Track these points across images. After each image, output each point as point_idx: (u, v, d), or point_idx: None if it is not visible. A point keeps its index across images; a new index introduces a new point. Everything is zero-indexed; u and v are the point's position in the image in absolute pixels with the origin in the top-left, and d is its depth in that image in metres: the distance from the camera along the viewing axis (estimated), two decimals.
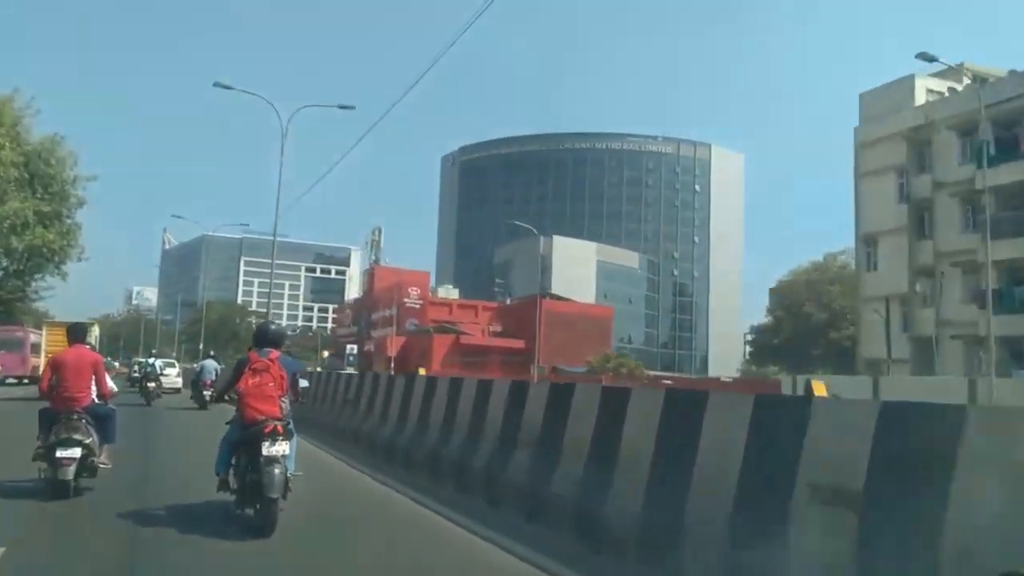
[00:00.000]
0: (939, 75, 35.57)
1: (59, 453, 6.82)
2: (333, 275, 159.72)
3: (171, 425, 16.32)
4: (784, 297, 59.63)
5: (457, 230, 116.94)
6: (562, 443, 6.34)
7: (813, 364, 47.57)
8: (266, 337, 6.71)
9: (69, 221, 37.16)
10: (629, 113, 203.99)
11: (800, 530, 4.08)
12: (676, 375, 71.67)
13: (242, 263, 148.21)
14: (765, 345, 62.35)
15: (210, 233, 59.53)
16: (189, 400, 21.29)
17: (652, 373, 60.80)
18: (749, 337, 72.35)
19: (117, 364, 47.00)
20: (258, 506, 5.95)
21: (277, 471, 5.90)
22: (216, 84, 24.75)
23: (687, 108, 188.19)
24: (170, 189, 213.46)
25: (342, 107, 25.85)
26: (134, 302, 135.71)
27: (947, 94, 35.74)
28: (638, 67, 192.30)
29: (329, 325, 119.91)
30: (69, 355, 7.47)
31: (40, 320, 38.94)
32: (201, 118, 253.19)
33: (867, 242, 37.61)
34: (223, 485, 6.36)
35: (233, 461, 6.34)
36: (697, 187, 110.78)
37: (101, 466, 7.30)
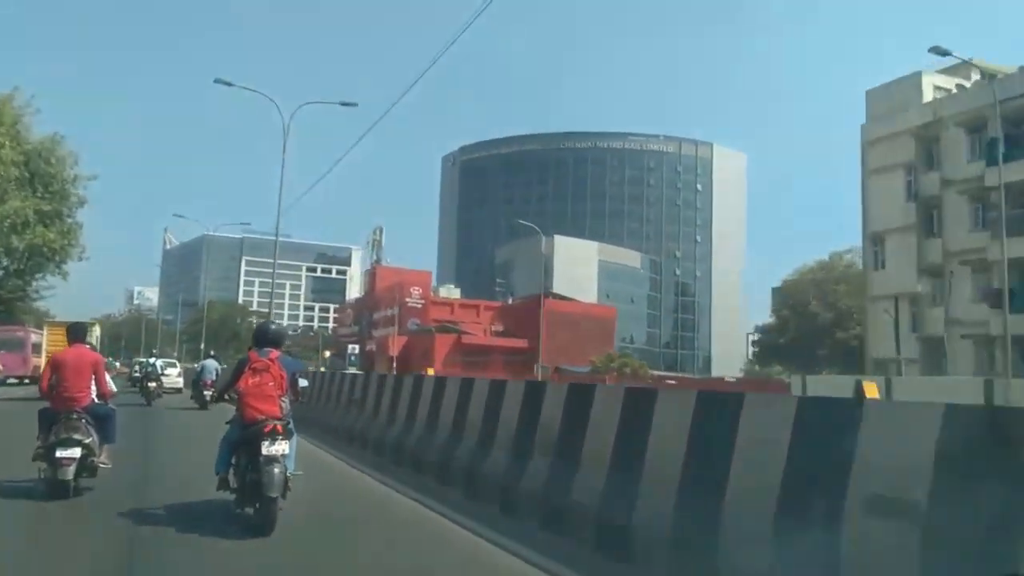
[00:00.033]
0: (947, 71, 35.21)
1: (59, 453, 6.81)
2: (334, 275, 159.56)
3: (171, 425, 16.23)
4: (789, 296, 59.26)
5: (458, 230, 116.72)
6: (582, 448, 6.02)
7: (819, 364, 47.27)
8: (266, 337, 6.73)
9: (70, 220, 37.12)
10: (630, 112, 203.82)
11: (852, 542, 3.77)
12: (679, 375, 71.33)
13: (243, 263, 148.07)
14: (770, 345, 62.01)
15: (211, 233, 59.21)
16: (190, 400, 21.29)
17: (656, 373, 60.53)
18: (754, 337, 72.04)
19: (118, 364, 46.80)
20: (258, 505, 5.95)
21: (277, 470, 5.91)
22: (217, 80, 24.50)
23: (688, 107, 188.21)
24: (171, 189, 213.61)
25: (344, 104, 25.58)
26: (135, 302, 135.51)
27: (955, 91, 35.37)
28: (639, 66, 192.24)
29: (330, 325, 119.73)
30: (69, 355, 7.45)
31: (41, 320, 38.80)
32: (202, 118, 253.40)
33: (874, 241, 37.24)
34: (223, 484, 6.36)
35: (233, 460, 6.35)
36: (699, 186, 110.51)
37: (101, 466, 7.28)
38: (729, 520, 4.43)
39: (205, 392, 19.58)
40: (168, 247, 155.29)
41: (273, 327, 7.11)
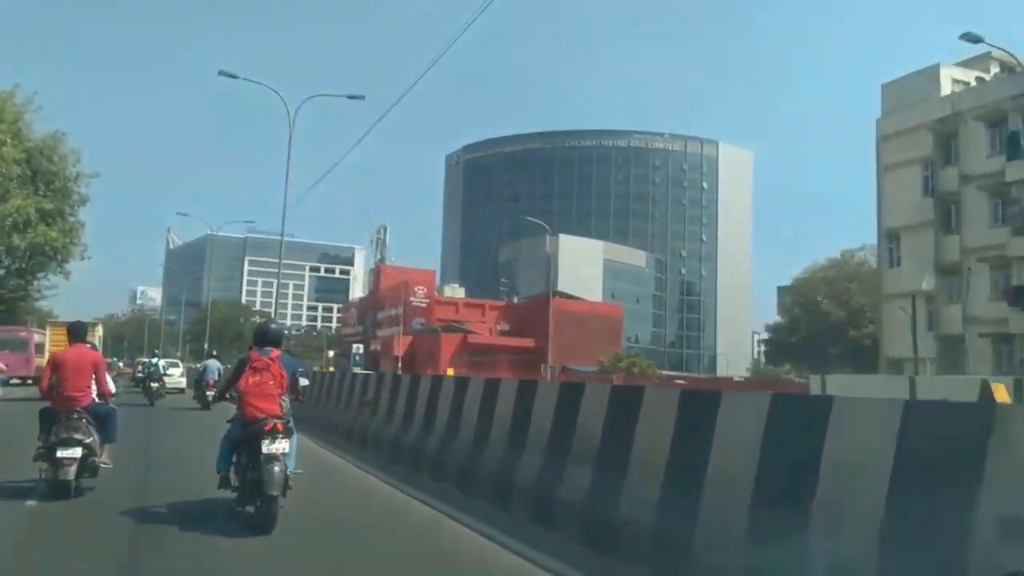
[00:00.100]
0: (965, 64, 34.59)
1: (60, 453, 6.81)
2: (337, 275, 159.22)
3: (173, 425, 16.16)
4: (801, 295, 58.57)
5: (462, 229, 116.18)
6: (628, 458, 5.42)
7: (832, 363, 46.55)
8: (266, 336, 6.78)
9: (72, 219, 36.88)
10: (635, 110, 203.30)
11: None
12: (686, 375, 70.78)
13: (246, 263, 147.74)
14: (780, 344, 61.35)
15: (214, 232, 58.74)
16: (192, 400, 21.43)
17: (664, 373, 59.98)
18: (764, 336, 71.38)
19: (121, 364, 46.44)
20: (258, 503, 5.99)
21: (277, 469, 5.95)
22: (221, 73, 24.00)
23: (694, 105, 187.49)
24: (174, 188, 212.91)
25: (351, 97, 25.09)
26: (138, 302, 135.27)
27: (973, 84, 34.69)
28: (644, 65, 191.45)
29: (333, 325, 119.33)
30: (69, 354, 7.43)
31: (44, 320, 38.42)
32: (205, 116, 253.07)
33: (889, 237, 36.58)
34: (224, 483, 6.40)
35: (234, 459, 6.39)
36: (705, 185, 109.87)
37: (102, 466, 7.28)
38: (819, 554, 3.82)
39: (207, 392, 19.42)
40: (171, 247, 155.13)
41: (273, 327, 7.22)
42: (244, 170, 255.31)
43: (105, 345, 47.80)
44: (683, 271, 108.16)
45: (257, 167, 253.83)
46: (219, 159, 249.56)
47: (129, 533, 5.85)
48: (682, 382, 43.33)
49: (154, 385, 21.86)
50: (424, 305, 67.91)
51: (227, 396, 6.86)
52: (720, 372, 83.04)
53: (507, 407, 7.53)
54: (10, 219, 32.23)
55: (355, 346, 64.89)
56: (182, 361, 41.49)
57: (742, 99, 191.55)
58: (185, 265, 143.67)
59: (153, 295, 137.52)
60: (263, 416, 6.16)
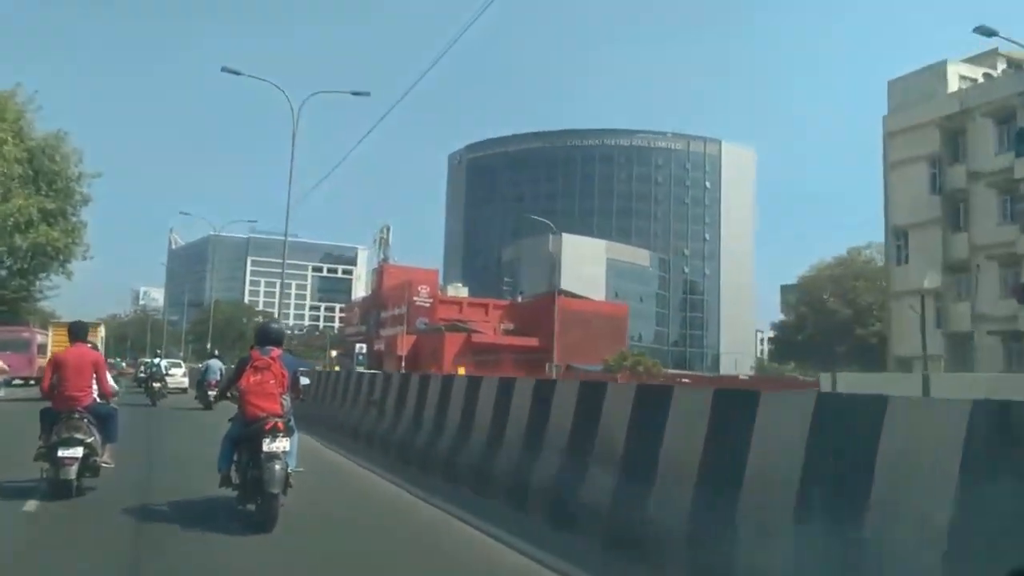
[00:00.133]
0: (973, 60, 34.32)
1: (61, 453, 6.82)
2: (340, 275, 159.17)
3: (175, 425, 16.17)
4: (807, 293, 58.25)
5: (464, 228, 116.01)
6: (657, 459, 5.19)
7: (838, 362, 46.27)
8: (267, 336, 6.83)
9: (74, 219, 36.66)
10: (638, 109, 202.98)
11: None
12: (689, 373, 70.51)
13: (249, 263, 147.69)
14: (786, 342, 61.04)
15: (217, 233, 58.62)
16: (194, 400, 21.41)
17: (668, 371, 59.74)
18: (767, 335, 71.10)
19: (124, 364, 46.30)
20: (259, 501, 6.01)
21: (277, 467, 5.98)
22: (224, 69, 23.75)
23: (697, 104, 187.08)
24: (176, 188, 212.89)
25: (356, 93, 24.81)
26: (141, 302, 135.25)
27: (981, 80, 34.41)
28: (647, 64, 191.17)
29: (336, 325, 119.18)
30: (70, 354, 7.42)
31: (47, 320, 38.24)
32: (206, 118, 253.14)
33: (897, 235, 36.33)
34: (225, 481, 6.43)
35: (235, 457, 6.43)
36: (707, 183, 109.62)
37: (104, 465, 7.27)
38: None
39: (209, 392, 19.39)
40: (174, 247, 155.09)
41: (274, 326, 7.32)
42: (246, 170, 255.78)
43: (108, 346, 47.67)
44: (686, 270, 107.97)
45: (259, 167, 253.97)
46: (221, 159, 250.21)
47: (130, 532, 5.86)
48: (687, 381, 43.11)
49: (156, 385, 21.87)
50: (427, 304, 67.74)
51: (228, 395, 6.91)
52: (727, 371, 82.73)
53: (523, 407, 7.29)
54: (12, 219, 32.04)
55: (358, 346, 64.72)
56: (185, 361, 41.34)
57: (743, 98, 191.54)
58: (188, 265, 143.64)
59: (156, 295, 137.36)
60: (264, 415, 6.18)
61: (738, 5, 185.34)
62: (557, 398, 6.88)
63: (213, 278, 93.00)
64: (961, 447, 3.32)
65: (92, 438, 7.08)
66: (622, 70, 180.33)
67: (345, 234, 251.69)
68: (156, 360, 24.76)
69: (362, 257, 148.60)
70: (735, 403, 4.65)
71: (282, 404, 6.38)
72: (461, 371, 10.73)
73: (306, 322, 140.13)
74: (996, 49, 32.36)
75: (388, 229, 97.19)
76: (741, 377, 51.04)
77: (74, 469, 6.82)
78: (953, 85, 34.67)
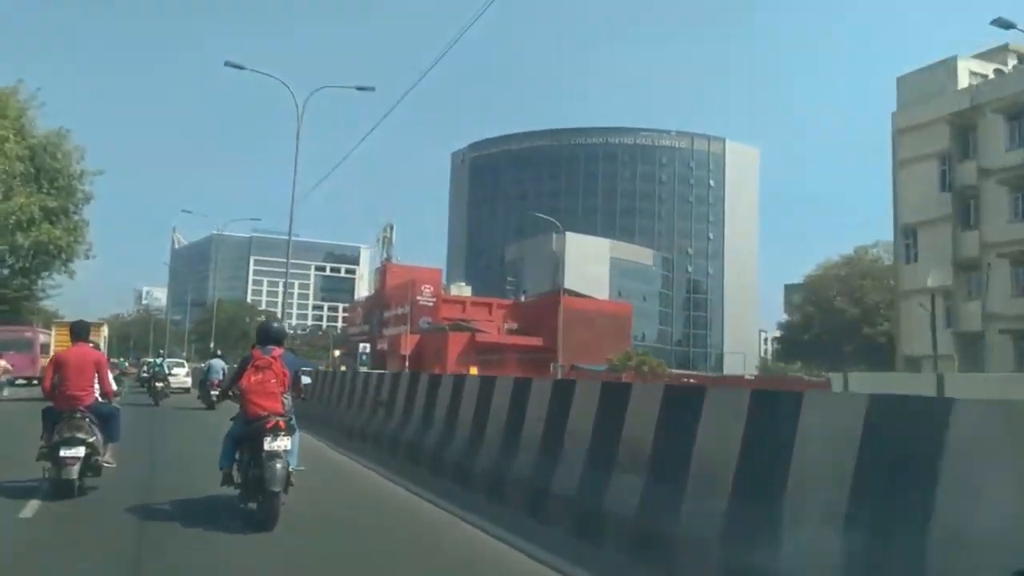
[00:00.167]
0: (983, 56, 33.97)
1: (63, 452, 6.83)
2: (343, 274, 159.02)
3: (177, 424, 16.16)
4: (814, 292, 57.85)
5: (468, 227, 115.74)
6: (688, 465, 4.90)
7: (846, 361, 45.93)
8: (269, 335, 6.84)
9: (76, 217, 36.39)
10: (642, 108, 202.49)
11: None
12: (694, 373, 70.18)
13: (252, 262, 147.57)
14: (793, 342, 60.63)
15: (219, 232, 58.38)
16: (197, 400, 21.37)
17: (673, 371, 59.44)
18: (773, 334, 70.70)
19: (127, 364, 46.11)
20: (260, 500, 6.03)
21: (279, 466, 6.00)
22: (228, 64, 23.49)
23: (701, 103, 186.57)
24: (178, 188, 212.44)
25: (361, 88, 24.58)
26: (144, 302, 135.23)
27: (991, 76, 34.05)
28: (650, 62, 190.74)
29: (339, 324, 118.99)
30: (71, 354, 7.44)
31: (49, 320, 38.06)
32: (208, 117, 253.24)
33: (906, 233, 35.98)
34: (227, 480, 6.46)
35: (237, 456, 6.45)
36: (711, 182, 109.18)
37: (105, 465, 7.28)
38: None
39: (212, 392, 19.29)
40: (176, 247, 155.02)
41: (276, 325, 7.31)
42: (248, 169, 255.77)
43: (111, 345, 47.43)
44: (690, 269, 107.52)
45: (261, 167, 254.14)
46: (223, 158, 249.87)
47: (132, 531, 5.88)
48: (692, 380, 42.81)
49: (159, 385, 21.78)
50: (431, 304, 67.47)
51: (229, 394, 6.95)
52: (731, 370, 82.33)
53: (540, 408, 7.03)
54: (14, 217, 31.79)
55: (361, 345, 64.46)
56: (188, 361, 41.18)
57: (745, 98, 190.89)
58: (190, 265, 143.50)
59: (158, 295, 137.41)
60: (265, 414, 6.20)
61: (740, 4, 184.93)
62: (577, 399, 6.61)
63: (216, 277, 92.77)
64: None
65: (94, 438, 7.10)
66: (624, 69, 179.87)
67: (348, 233, 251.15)
68: (159, 360, 24.63)
69: (365, 256, 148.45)
70: (775, 403, 4.37)
71: (283, 403, 6.40)
72: (473, 371, 10.51)
73: (309, 322, 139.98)
74: (1007, 45, 32.03)
75: (392, 228, 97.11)
76: (747, 377, 50.63)
77: (76, 469, 6.83)
78: (963, 81, 34.31)
